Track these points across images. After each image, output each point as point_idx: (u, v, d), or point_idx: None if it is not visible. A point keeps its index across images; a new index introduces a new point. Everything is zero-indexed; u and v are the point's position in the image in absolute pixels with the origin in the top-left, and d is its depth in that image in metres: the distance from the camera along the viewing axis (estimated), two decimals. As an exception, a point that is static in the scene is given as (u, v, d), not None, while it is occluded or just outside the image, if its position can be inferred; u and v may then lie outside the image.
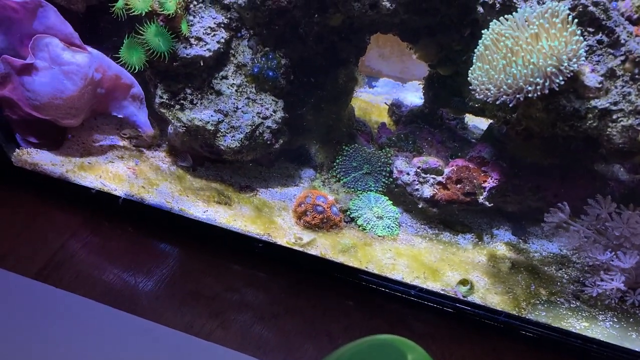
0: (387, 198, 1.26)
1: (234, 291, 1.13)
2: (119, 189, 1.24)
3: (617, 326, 1.06)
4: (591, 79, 0.91)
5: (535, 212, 1.19)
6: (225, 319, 1.09)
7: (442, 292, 1.11)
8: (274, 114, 1.20)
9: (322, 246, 1.18)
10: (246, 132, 1.18)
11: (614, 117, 0.90)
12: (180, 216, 1.21)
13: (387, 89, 1.77)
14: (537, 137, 1.00)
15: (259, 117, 1.18)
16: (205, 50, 1.16)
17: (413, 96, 1.69)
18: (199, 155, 1.30)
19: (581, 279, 1.12)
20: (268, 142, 1.19)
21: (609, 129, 0.90)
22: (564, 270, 1.17)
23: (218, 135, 1.18)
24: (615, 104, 0.90)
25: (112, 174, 1.28)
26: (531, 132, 1.00)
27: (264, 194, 1.31)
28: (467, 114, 1.38)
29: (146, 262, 1.18)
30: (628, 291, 1.03)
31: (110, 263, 1.17)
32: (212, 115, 1.17)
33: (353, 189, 1.27)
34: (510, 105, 0.90)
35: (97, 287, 1.09)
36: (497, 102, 0.91)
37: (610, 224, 0.97)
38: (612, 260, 1.00)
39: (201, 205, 1.24)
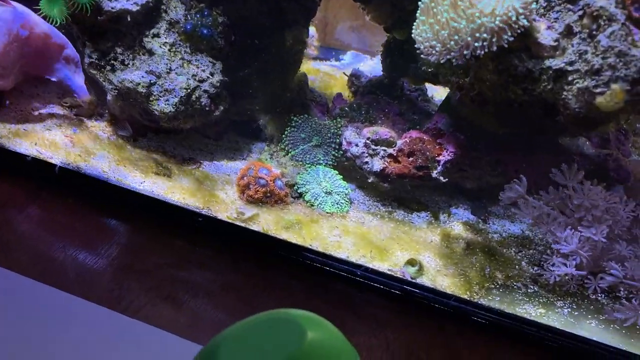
0: (337, 172, 1.17)
1: (169, 267, 1.05)
2: (55, 157, 1.16)
3: (575, 313, 0.97)
4: (546, 36, 0.81)
5: (495, 190, 1.08)
6: (156, 295, 1.01)
7: (388, 273, 1.02)
8: (211, 76, 1.11)
9: (265, 222, 1.10)
10: (181, 96, 1.08)
11: (570, 78, 0.80)
12: (118, 187, 1.13)
13: (354, 62, 1.68)
14: (491, 103, 0.91)
15: (195, 79, 1.09)
16: (132, 4, 1.06)
17: (379, 69, 1.60)
18: (140, 125, 1.21)
19: (541, 262, 1.03)
20: (206, 109, 1.09)
21: (565, 92, 0.80)
22: (524, 252, 1.08)
23: (151, 99, 1.08)
24: (570, 63, 0.80)
25: (48, 141, 1.20)
26: (485, 98, 0.91)
27: (208, 167, 1.22)
28: (429, 84, 1.29)
29: (83, 234, 1.10)
30: (588, 277, 0.94)
31: (44, 234, 1.10)
32: (143, 77, 1.08)
33: (301, 163, 1.18)
34: (457, 63, 0.81)
35: (28, 260, 1.01)
36: (443, 62, 0.82)
37: (570, 193, 0.88)
38: (571, 238, 0.91)
39: (139, 176, 1.15)
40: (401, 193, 1.19)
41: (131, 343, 0.95)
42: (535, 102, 0.86)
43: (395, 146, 1.10)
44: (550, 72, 0.82)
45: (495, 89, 0.87)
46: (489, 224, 1.14)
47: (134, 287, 1.02)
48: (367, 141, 1.11)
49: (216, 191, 1.15)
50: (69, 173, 1.16)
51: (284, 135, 1.19)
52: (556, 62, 0.81)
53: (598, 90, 0.77)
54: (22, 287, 1.00)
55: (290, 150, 1.18)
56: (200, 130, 1.25)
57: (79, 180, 1.16)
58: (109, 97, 1.19)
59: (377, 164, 1.11)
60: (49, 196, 1.18)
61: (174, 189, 1.13)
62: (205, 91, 1.10)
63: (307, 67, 1.59)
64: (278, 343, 0.56)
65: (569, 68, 0.80)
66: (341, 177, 1.16)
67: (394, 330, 0.99)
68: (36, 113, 1.30)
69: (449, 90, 1.12)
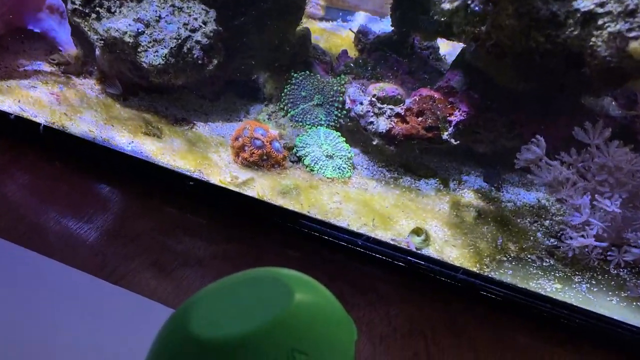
0: (340, 134, 1.08)
1: (157, 233, 0.98)
2: (39, 116, 1.09)
3: (594, 289, 0.89)
4: (575, -27, 0.71)
5: (511, 155, 0.99)
6: (142, 262, 0.95)
7: (392, 243, 0.95)
8: (203, 25, 1.01)
9: (260, 187, 1.02)
10: (171, 47, 1.00)
11: (600, 22, 0.70)
12: (104, 148, 1.06)
13: (362, 24, 1.57)
14: (509, 55, 0.82)
15: (186, 29, 1.00)
16: (118, -56, 0.97)
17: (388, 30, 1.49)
18: (130, 82, 1.13)
19: (558, 234, 0.95)
20: (199, 62, 1.01)
21: (593, 39, 0.70)
22: (539, 222, 1.00)
23: (139, 50, 1.00)
24: (601, 5, 0.70)
25: (32, 99, 1.13)
26: (502, 49, 0.81)
27: (202, 129, 1.14)
28: (441, 43, 1.18)
29: (67, 197, 1.04)
30: (612, 249, 0.86)
31: (27, 197, 1.05)
32: (130, 25, 0.99)
33: (301, 123, 1.10)
34: (473, 10, 0.72)
35: (9, 224, 0.96)
36: (457, 5, 0.73)
37: (593, 152, 0.78)
38: (584, 207, 0.82)
39: (127, 136, 1.08)
40: (408, 158, 1.10)
41: (113, 310, 0.89)
42: (559, 52, 0.76)
43: (403, 105, 1.01)
44: (578, 15, 0.72)
45: (515, 36, 0.77)
46: (502, 192, 1.05)
47: (119, 253, 0.96)
48: (373, 99, 1.02)
49: (209, 154, 1.07)
50: (54, 132, 1.10)
51: (283, 94, 1.10)
52: (585, 4, 0.71)
53: (632, 34, 0.67)
54: (3, 251, 0.95)
55: (289, 110, 1.10)
56: (194, 90, 1.17)
57: (65, 140, 1.10)
58: (97, 52, 1.11)
59: (383, 124, 1.02)
60: (34, 157, 1.12)
61: (164, 151, 1.05)
62: (198, 42, 1.01)
63: (312, 26, 1.50)
64: (260, 303, 0.48)
65: (600, 10, 0.70)
66: (344, 139, 1.08)
67: (396, 304, 0.92)
68: (21, 70, 1.23)
69: (463, 45, 1.02)
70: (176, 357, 0.47)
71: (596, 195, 0.82)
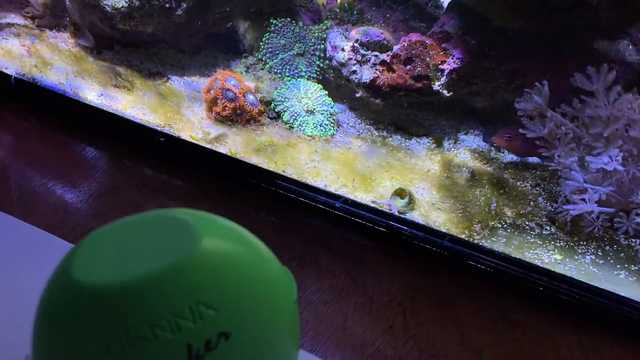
0: (322, 87, 0.98)
1: (121, 191, 0.92)
2: (9, 68, 1.05)
3: (600, 261, 0.78)
4: None
5: (512, 110, 0.89)
6: (103, 221, 0.89)
7: (372, 206, 0.86)
8: (168, -37, 0.93)
9: (233, 143, 0.94)
10: (134, -12, 0.92)
11: None
12: (74, 100, 1.01)
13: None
14: (504, -13, 0.70)
15: (149, -33, 0.91)
16: None
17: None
18: (103, 34, 1.06)
19: (562, 197, 0.83)
20: (167, 5, 0.92)
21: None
22: (542, 186, 0.88)
23: (100, -8, 0.93)
24: None
25: (3, 50, 1.09)
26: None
27: (176, 83, 1.06)
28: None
29: (33, 151, 0.99)
30: (619, 214, 0.74)
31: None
32: (87, -36, 0.92)
33: (280, 75, 1.00)
34: None
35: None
36: None
37: (592, 103, 0.67)
38: (577, 168, 0.71)
39: (97, 88, 1.02)
40: (400, 115, 0.99)
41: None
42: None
43: (390, 52, 0.90)
44: None
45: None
46: (502, 152, 0.94)
47: (78, 211, 0.90)
48: (355, 44, 0.91)
49: (182, 108, 1.00)
50: (25, 85, 1.05)
51: (261, 43, 1.01)
52: None
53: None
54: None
55: (268, 60, 1.00)
56: (173, 44, 1.09)
57: (35, 92, 1.04)
58: (67, 2, 1.05)
59: (367, 74, 0.91)
60: (5, 110, 1.07)
61: (134, 104, 0.98)
62: (163, -17, 0.93)
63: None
64: (159, 247, 0.40)
65: None
66: (326, 92, 0.98)
67: (374, 272, 0.83)
68: (-6, 22, 1.19)
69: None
70: (56, 304, 0.40)
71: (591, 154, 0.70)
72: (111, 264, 0.39)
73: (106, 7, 0.93)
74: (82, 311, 0.37)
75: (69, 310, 0.38)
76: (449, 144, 0.96)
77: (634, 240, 0.79)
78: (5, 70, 1.05)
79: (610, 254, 0.79)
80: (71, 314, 0.38)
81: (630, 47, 0.78)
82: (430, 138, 0.96)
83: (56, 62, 1.06)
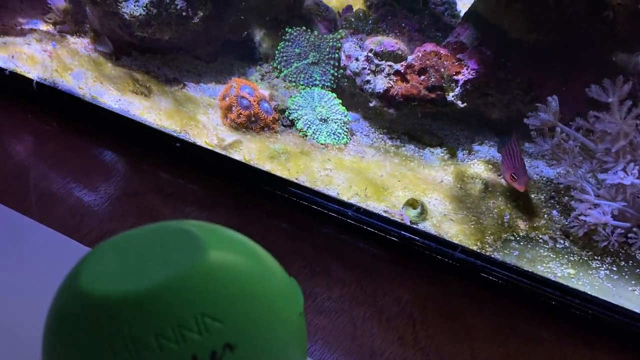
0: (335, 96, 0.98)
1: (137, 196, 0.94)
2: (32, 72, 1.07)
3: (614, 277, 0.77)
4: None
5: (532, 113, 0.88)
6: (119, 226, 0.91)
7: (384, 215, 0.85)
8: (185, -27, 0.94)
9: (247, 150, 0.95)
10: (152, -4, 0.93)
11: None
12: (93, 105, 1.03)
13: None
14: (521, 0, 0.69)
15: (167, -24, 0.93)
16: None
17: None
18: (122, 41, 1.08)
19: (576, 211, 0.82)
20: (184, 14, 0.94)
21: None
22: (557, 199, 0.87)
23: (119, 0, 0.95)
24: None
25: (26, 55, 1.11)
26: (512, -7, 0.70)
27: (192, 90, 1.07)
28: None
29: (52, 154, 1.02)
30: (633, 229, 0.73)
31: (16, 154, 1.03)
32: (107, -28, 0.94)
33: (295, 84, 1.01)
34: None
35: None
36: None
37: (604, 117, 0.66)
38: (587, 183, 0.70)
39: (115, 93, 1.03)
40: (414, 124, 0.99)
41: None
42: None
43: (404, 62, 0.90)
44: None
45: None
46: (517, 164, 0.93)
47: (95, 215, 0.92)
48: (370, 54, 0.91)
49: (197, 115, 1.01)
50: (46, 89, 1.07)
51: (277, 51, 1.02)
52: None
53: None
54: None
55: (282, 68, 1.01)
56: (190, 50, 1.11)
57: (56, 96, 1.07)
58: (87, 9, 1.07)
59: (381, 83, 0.91)
60: (27, 113, 1.10)
61: (150, 109, 1.00)
62: (180, -9, 0.94)
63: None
64: (165, 259, 0.41)
65: None
66: (340, 101, 0.98)
67: (385, 282, 0.83)
68: (18, 28, 1.22)
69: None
70: (64, 313, 0.41)
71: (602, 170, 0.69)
72: (119, 274, 0.40)
73: (124, 14, 0.94)
74: (89, 320, 0.38)
75: (77, 318, 0.39)
76: (463, 155, 0.96)
77: (650, 256, 0.77)
78: (27, 74, 1.07)
79: (625, 269, 0.77)
80: (78, 322, 0.39)
81: (649, 60, 0.77)
82: (444, 148, 0.96)
83: (76, 67, 1.08)
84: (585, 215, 0.70)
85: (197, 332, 0.39)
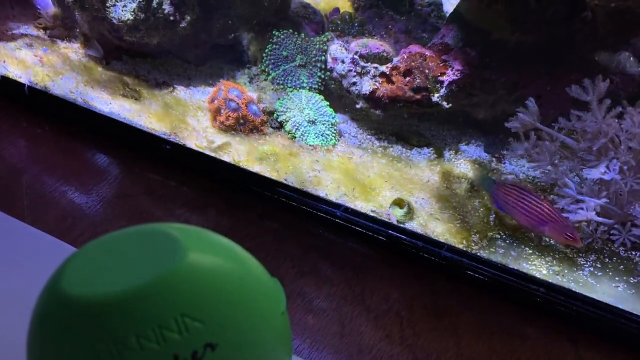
0: (323, 98, 0.99)
1: (127, 198, 0.95)
2: (23, 77, 1.08)
3: (598, 274, 0.78)
4: None
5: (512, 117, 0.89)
6: (107, 229, 0.91)
7: (372, 215, 0.87)
8: (172, -23, 0.95)
9: (236, 152, 0.96)
10: (139, 1, 0.94)
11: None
12: (85, 109, 1.04)
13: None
14: (501, 1, 0.70)
15: (154, -19, 0.94)
16: None
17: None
18: (111, 45, 1.09)
19: (559, 209, 0.83)
20: (171, 18, 0.95)
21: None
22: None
23: (107, 5, 0.94)
24: None
25: (17, 60, 1.12)
26: (493, -7, 0.71)
27: (182, 93, 1.08)
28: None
29: (44, 158, 1.02)
30: (615, 226, 0.74)
31: (7, 158, 1.04)
32: (94, -23, 0.94)
33: (283, 86, 1.02)
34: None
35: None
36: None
37: (585, 116, 0.67)
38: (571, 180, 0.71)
39: (106, 97, 1.04)
40: (401, 125, 1.00)
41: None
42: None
43: (390, 64, 0.91)
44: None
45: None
46: (504, 162, 0.94)
47: (87, 217, 0.93)
48: (355, 56, 0.92)
49: (187, 117, 1.02)
50: (37, 93, 1.08)
51: (264, 54, 1.03)
52: None
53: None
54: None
55: (270, 71, 1.02)
56: (179, 54, 1.11)
57: (48, 101, 1.08)
58: (76, 14, 1.08)
59: (367, 85, 0.92)
60: (19, 118, 1.11)
61: (140, 113, 1.00)
62: (168, -5, 0.95)
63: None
64: (145, 260, 0.41)
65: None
66: (327, 103, 0.99)
67: (373, 281, 0.84)
68: (9, 33, 1.23)
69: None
70: (45, 315, 0.42)
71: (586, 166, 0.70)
72: (99, 276, 0.41)
73: (113, 19, 0.95)
74: (71, 322, 0.39)
75: (58, 320, 0.40)
76: (450, 155, 0.97)
77: (633, 252, 0.78)
78: (19, 79, 1.08)
79: (609, 266, 0.79)
80: (60, 325, 0.40)
81: (632, 58, 0.78)
82: (431, 148, 0.97)
83: (67, 71, 1.09)
84: (570, 212, 0.71)
85: (177, 332, 0.40)
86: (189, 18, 0.96)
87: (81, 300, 0.39)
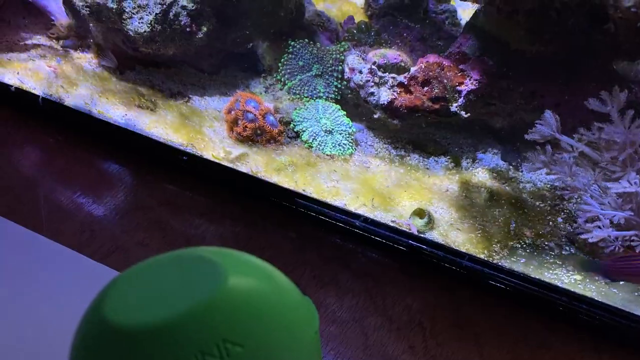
0: (339, 107, 1.00)
1: (145, 209, 0.95)
2: (37, 88, 1.08)
3: (621, 282, 0.78)
4: None
5: (531, 129, 0.89)
6: (127, 240, 0.91)
7: (392, 225, 0.87)
8: (189, -11, 0.95)
9: (254, 162, 0.96)
10: (156, 13, 0.94)
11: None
12: (100, 120, 1.04)
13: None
14: (521, 12, 0.71)
15: (171, -7, 0.94)
16: None
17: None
18: (125, 55, 1.09)
19: (580, 221, 0.83)
20: (187, 29, 0.94)
21: (618, -14, 0.59)
22: (561, 206, 0.88)
23: (124, 17, 0.95)
24: (628, -57, 0.58)
25: (31, 71, 1.12)
26: (514, 5, 0.70)
27: (197, 103, 1.08)
28: (459, 4, 1.07)
29: (60, 169, 1.02)
30: (636, 235, 0.74)
31: (19, 168, 1.04)
32: (112, -11, 0.94)
33: (299, 96, 1.02)
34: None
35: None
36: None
37: (608, 128, 0.67)
38: (593, 187, 0.71)
39: (121, 108, 1.04)
40: (418, 134, 1.00)
41: (93, 288, 0.86)
42: (578, 6, 0.65)
43: (407, 73, 0.91)
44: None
45: (526, -11, 0.66)
46: (522, 171, 0.94)
47: (105, 230, 0.93)
48: (373, 66, 0.92)
49: (203, 128, 1.02)
50: (52, 105, 1.08)
51: (280, 64, 1.03)
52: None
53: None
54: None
55: (286, 81, 1.02)
56: (193, 63, 1.11)
57: (63, 112, 1.08)
58: (90, 25, 1.08)
59: (385, 95, 0.92)
60: (34, 129, 1.11)
61: (157, 124, 1.00)
62: (184, 7, 0.95)
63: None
64: (186, 287, 0.42)
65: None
66: (344, 113, 0.99)
67: (394, 291, 0.85)
68: (22, 44, 1.23)
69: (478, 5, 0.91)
70: (88, 343, 0.42)
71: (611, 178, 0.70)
72: (141, 304, 0.41)
73: (129, 31, 0.95)
74: (114, 350, 0.40)
75: (101, 348, 0.40)
76: (467, 163, 0.97)
77: (655, 260, 0.79)
78: (33, 91, 1.08)
79: (631, 274, 0.79)
80: (103, 352, 0.40)
81: (650, 68, 0.78)
82: (448, 157, 0.97)
83: (81, 82, 1.09)
84: (586, 232, 0.72)
85: (219, 358, 0.40)
86: (205, 29, 0.96)
87: (125, 329, 0.40)
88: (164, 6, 0.93)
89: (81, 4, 0.96)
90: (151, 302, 0.41)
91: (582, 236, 0.72)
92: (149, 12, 0.93)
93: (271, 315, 0.44)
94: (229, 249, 0.50)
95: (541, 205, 0.89)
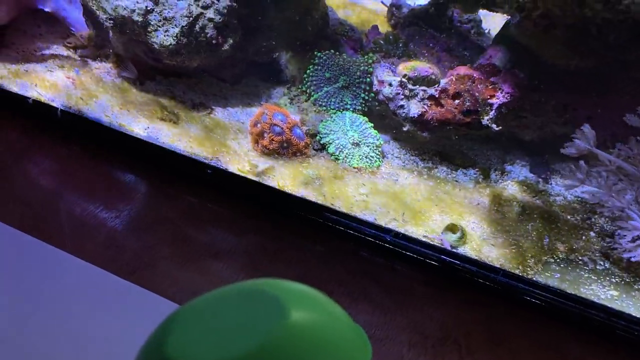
0: (367, 119, 0.99)
1: (170, 224, 0.93)
2: (56, 100, 1.06)
3: (659, 298, 0.78)
4: None
5: (561, 141, 0.87)
6: (152, 255, 0.90)
7: (424, 240, 0.86)
8: (216, 1, 0.93)
9: (281, 176, 0.95)
10: (182, 26, 0.93)
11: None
12: (121, 133, 1.02)
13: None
14: (559, 27, 0.70)
15: (198, 5, 0.92)
16: None
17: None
18: (146, 65, 1.07)
19: (615, 233, 0.83)
20: (213, 42, 0.93)
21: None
22: (593, 219, 0.88)
23: (149, 29, 0.93)
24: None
25: (49, 83, 1.10)
26: (552, 20, 0.70)
27: (220, 114, 1.07)
28: (484, 15, 1.06)
29: (81, 184, 1.01)
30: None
31: (39, 183, 1.02)
32: (138, 2, 0.93)
33: (325, 108, 1.01)
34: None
35: (19, 211, 0.93)
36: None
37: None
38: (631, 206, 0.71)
39: (143, 121, 1.03)
40: (445, 145, 0.99)
41: (121, 306, 0.85)
42: (620, 22, 0.64)
43: (437, 86, 0.91)
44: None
45: (566, 5, 0.65)
46: (551, 184, 0.94)
47: (130, 245, 0.91)
48: (403, 79, 0.91)
49: (227, 140, 1.00)
50: (71, 117, 1.06)
51: (305, 75, 1.02)
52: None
53: None
54: (9, 239, 0.91)
55: (312, 93, 1.01)
56: (214, 73, 1.10)
57: (82, 125, 1.06)
58: (110, 34, 1.06)
59: (415, 108, 0.91)
60: (53, 142, 1.09)
61: (180, 137, 0.99)
62: (210, 19, 0.93)
63: (341, 0, 1.39)
64: (248, 325, 0.41)
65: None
66: (371, 125, 0.98)
67: (427, 307, 0.84)
68: (38, 54, 1.20)
69: (507, 16, 0.90)
70: None
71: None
72: (202, 343, 0.41)
73: (154, 44, 0.94)
74: None
75: None
76: (496, 175, 0.96)
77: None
78: (52, 103, 1.06)
79: (669, 290, 0.79)
80: None
81: (686, 83, 0.78)
82: (477, 169, 0.96)
83: (101, 94, 1.07)
84: (629, 251, 0.71)
85: None
86: (231, 41, 0.95)
87: None
88: (191, 19, 0.92)
89: (105, 16, 0.94)
90: (214, 341, 0.41)
91: (625, 255, 0.72)
92: (175, 25, 0.91)
93: (329, 346, 0.44)
94: (288, 282, 0.49)
95: (572, 219, 0.89)
